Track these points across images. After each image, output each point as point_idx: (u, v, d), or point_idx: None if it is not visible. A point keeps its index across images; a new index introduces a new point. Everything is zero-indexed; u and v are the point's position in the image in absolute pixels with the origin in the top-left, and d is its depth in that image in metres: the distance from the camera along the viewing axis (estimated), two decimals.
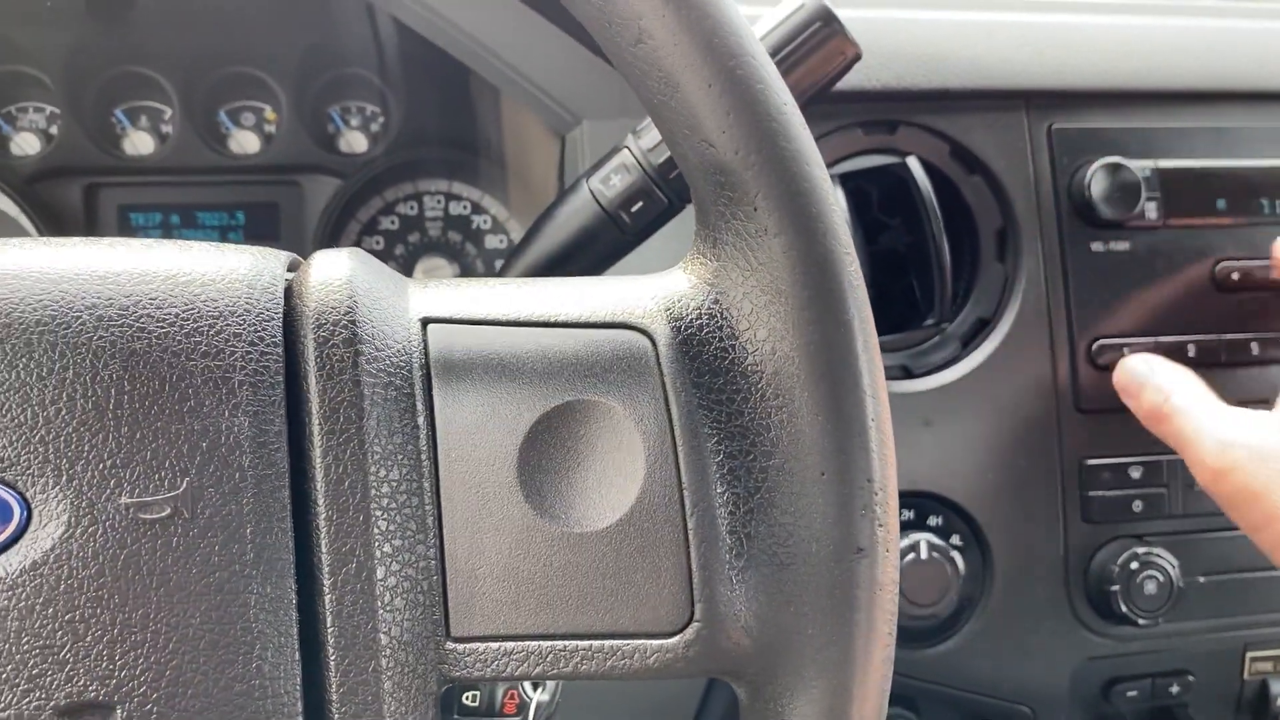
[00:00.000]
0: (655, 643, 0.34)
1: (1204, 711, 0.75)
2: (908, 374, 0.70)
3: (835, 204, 0.34)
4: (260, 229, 0.85)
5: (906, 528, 0.68)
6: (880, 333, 0.70)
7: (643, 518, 0.34)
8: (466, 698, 0.53)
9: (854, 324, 0.34)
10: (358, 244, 0.85)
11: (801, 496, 0.34)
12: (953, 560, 0.66)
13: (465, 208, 0.86)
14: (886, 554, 0.33)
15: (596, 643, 0.34)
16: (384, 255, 0.86)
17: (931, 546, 0.66)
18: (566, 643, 0.34)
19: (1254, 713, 0.77)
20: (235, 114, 0.85)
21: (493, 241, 0.87)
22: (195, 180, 0.84)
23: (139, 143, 0.84)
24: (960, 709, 0.73)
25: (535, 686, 0.53)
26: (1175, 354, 0.70)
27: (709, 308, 0.36)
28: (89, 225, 0.82)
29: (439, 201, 0.86)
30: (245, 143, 0.85)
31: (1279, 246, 0.69)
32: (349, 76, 0.86)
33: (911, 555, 0.66)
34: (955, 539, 0.69)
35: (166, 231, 0.84)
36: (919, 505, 0.69)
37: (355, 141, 0.86)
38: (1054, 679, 0.71)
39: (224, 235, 0.84)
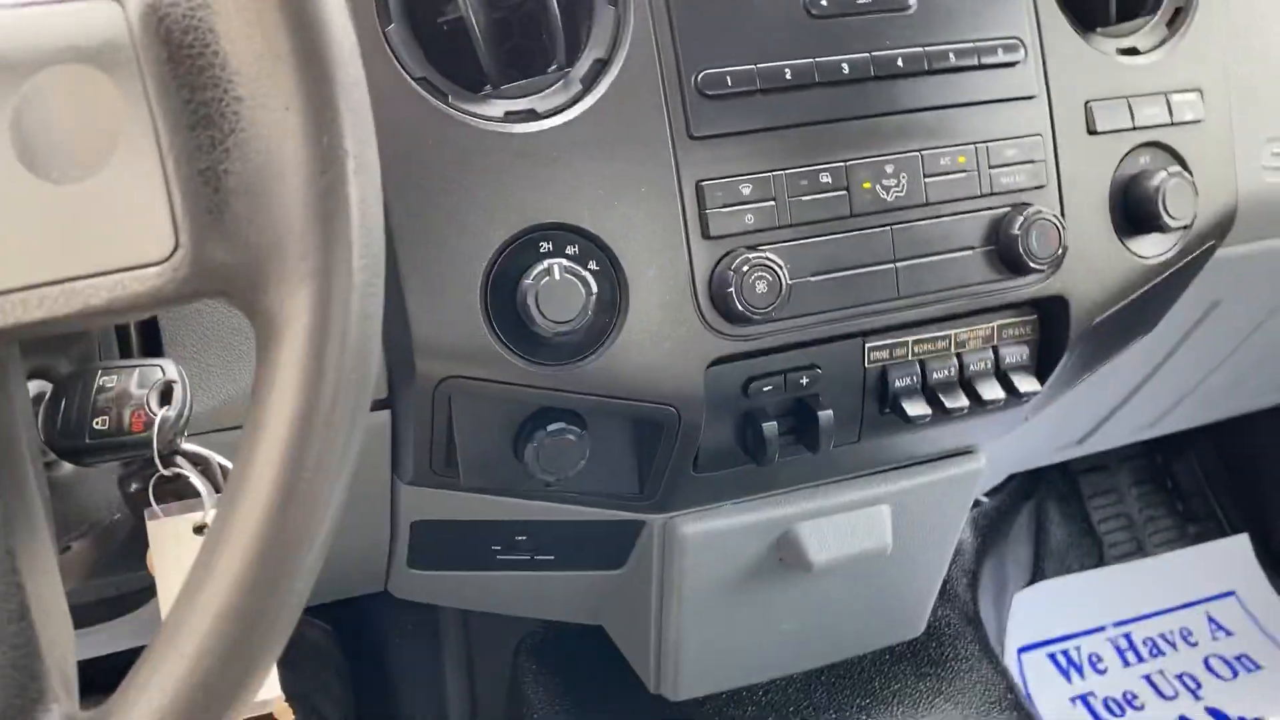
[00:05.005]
0: (148, 271, 0.39)
1: (834, 400, 0.86)
2: (535, 116, 0.76)
3: None
4: None
5: (544, 257, 0.75)
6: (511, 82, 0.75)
7: (121, 166, 0.38)
8: (97, 422, 0.57)
9: None
10: None
11: (272, 129, 0.38)
12: (584, 280, 0.73)
13: None
14: (354, 173, 0.38)
15: (96, 280, 0.38)
16: None
17: (564, 269, 0.73)
18: (64, 286, 0.38)
19: (878, 396, 0.88)
20: None
21: None
22: None
23: None
24: (618, 416, 0.82)
25: (161, 404, 0.58)
26: (774, 79, 0.78)
27: None
28: None
29: None
30: None
31: None
32: None
33: (546, 278, 0.73)
34: (592, 264, 0.76)
35: None
36: (555, 237, 0.75)
37: None
38: (691, 379, 0.80)
39: None
